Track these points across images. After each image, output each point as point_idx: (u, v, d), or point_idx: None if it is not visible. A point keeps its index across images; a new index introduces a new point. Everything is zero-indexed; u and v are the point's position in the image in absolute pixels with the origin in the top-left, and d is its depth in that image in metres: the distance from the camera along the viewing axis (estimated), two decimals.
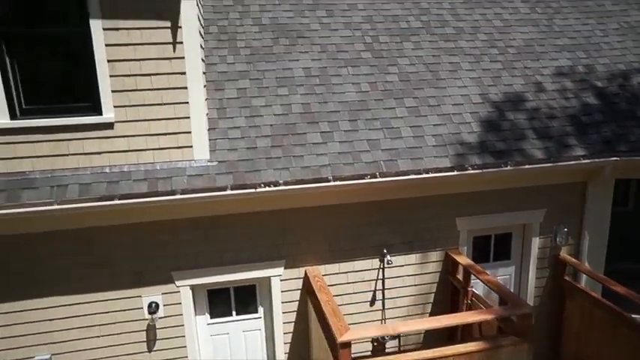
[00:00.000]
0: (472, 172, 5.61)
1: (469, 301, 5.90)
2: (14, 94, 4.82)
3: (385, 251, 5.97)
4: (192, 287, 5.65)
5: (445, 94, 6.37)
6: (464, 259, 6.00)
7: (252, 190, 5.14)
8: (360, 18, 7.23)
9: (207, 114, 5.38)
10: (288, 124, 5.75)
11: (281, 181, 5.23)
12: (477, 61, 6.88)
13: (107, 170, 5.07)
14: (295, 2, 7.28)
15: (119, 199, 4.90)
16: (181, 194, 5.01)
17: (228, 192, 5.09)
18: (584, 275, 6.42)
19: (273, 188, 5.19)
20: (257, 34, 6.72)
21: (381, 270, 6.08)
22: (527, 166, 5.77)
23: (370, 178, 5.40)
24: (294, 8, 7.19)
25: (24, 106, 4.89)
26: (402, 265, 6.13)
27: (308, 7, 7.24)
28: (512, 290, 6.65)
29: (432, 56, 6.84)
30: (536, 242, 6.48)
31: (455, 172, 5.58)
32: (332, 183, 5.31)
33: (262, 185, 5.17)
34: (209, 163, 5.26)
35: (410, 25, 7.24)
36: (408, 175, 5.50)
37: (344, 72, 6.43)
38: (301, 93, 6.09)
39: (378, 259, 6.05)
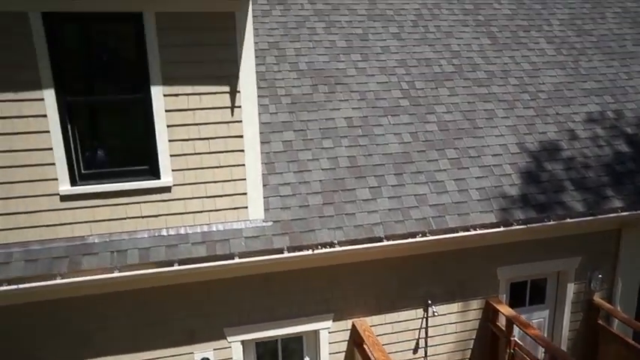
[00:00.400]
0: (517, 227, 5.74)
1: (511, 351, 6.04)
2: (74, 160, 4.80)
3: (430, 302, 6.08)
4: (243, 342, 5.69)
5: (484, 144, 6.49)
6: (506, 309, 6.13)
7: (309, 252, 5.20)
8: (395, 62, 7.30)
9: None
10: (336, 179, 5.81)
11: (336, 242, 5.29)
12: (510, 107, 7.02)
13: (164, 233, 5.08)
14: (329, 45, 7.33)
15: (179, 265, 4.91)
16: (240, 258, 5.04)
17: (286, 255, 5.14)
18: (617, 320, 6.62)
19: (328, 250, 5.25)
20: (296, 81, 6.75)
21: (424, 319, 6.19)
22: (568, 220, 5.92)
23: (421, 237, 5.50)
24: (329, 52, 7.23)
25: (83, 171, 4.88)
26: (445, 314, 6.25)
27: (342, 51, 7.28)
28: (545, 334, 6.83)
29: (467, 103, 6.95)
30: (570, 287, 6.65)
31: (501, 229, 5.71)
32: (385, 243, 5.39)
33: (319, 247, 5.23)
34: (264, 224, 5.30)
35: (443, 70, 7.33)
36: (457, 232, 5.61)
37: (384, 121, 6.51)
38: (346, 145, 6.15)
39: (422, 309, 6.16)
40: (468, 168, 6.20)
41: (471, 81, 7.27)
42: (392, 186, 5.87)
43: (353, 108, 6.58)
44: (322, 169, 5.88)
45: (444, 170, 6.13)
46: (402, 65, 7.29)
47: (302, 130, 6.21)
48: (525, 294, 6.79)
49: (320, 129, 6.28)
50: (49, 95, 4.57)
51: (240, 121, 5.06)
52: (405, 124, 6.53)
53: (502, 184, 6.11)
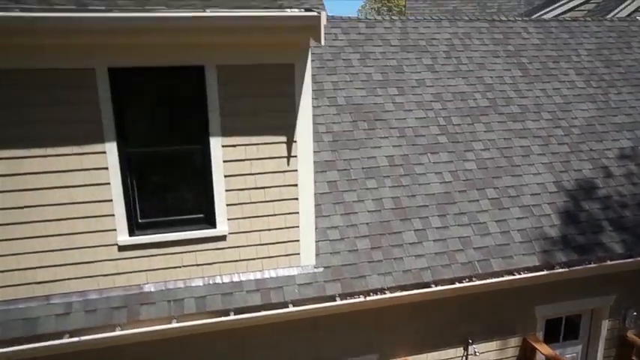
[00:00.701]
0: (559, 270, 5.83)
1: None
2: (132, 210, 4.82)
3: (470, 341, 6.17)
4: None
5: (522, 183, 6.56)
6: (544, 348, 6.23)
7: (361, 299, 5.25)
8: (430, 96, 7.35)
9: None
10: (382, 221, 5.86)
11: (386, 288, 5.35)
12: (545, 143, 7.09)
13: (219, 281, 5.11)
14: (366, 78, 7.36)
15: (235, 314, 4.95)
16: (294, 306, 5.09)
17: (338, 302, 5.19)
18: None
19: (380, 296, 5.31)
20: (336, 117, 6.79)
21: (465, 357, 6.27)
22: (608, 262, 6.02)
23: (467, 282, 5.57)
24: (366, 85, 7.26)
25: (140, 220, 4.89)
26: (483, 352, 6.33)
27: (379, 84, 7.32)
28: None
29: (503, 139, 7.02)
30: (605, 324, 6.77)
31: (544, 272, 5.80)
32: (433, 289, 5.46)
33: (370, 294, 5.29)
34: (315, 270, 5.34)
35: (478, 104, 7.39)
36: (502, 276, 5.69)
37: (425, 160, 6.56)
38: (389, 185, 6.20)
39: (462, 348, 6.24)
40: (508, 208, 6.27)
41: (505, 116, 7.34)
42: (436, 228, 5.93)
43: (393, 146, 6.63)
44: (368, 211, 5.92)
45: (486, 211, 6.20)
46: (437, 99, 7.34)
47: (345, 169, 6.25)
48: (560, 330, 6.90)
49: (363, 168, 6.32)
50: (111, 148, 4.59)
51: (296, 170, 5.09)
52: (444, 163, 6.59)
53: (542, 225, 6.19)
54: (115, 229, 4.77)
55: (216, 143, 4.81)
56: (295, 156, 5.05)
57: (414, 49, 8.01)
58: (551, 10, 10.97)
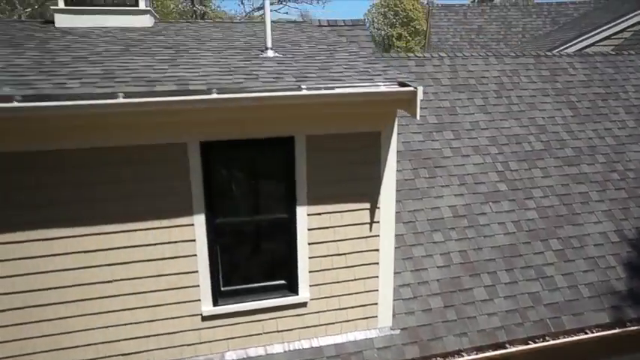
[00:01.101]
0: (631, 328, 5.83)
1: None
2: (217, 279, 4.76)
3: None
4: None
5: (584, 233, 6.54)
6: None
7: None
8: (486, 140, 7.31)
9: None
10: (452, 277, 5.83)
11: (463, 350, 5.33)
12: (602, 189, 7.07)
13: (298, 346, 5.07)
14: (421, 122, 7.31)
15: None
16: None
17: None
18: None
19: (457, 359, 5.28)
20: (397, 164, 6.70)
21: None
22: None
23: (541, 341, 5.55)
24: (423, 129, 7.22)
25: (222, 289, 4.84)
26: None
27: (435, 128, 7.28)
28: None
29: (561, 185, 6.99)
30: None
31: (616, 330, 5.79)
32: (508, 350, 5.44)
33: (447, 356, 5.26)
34: (392, 332, 5.31)
35: (533, 147, 7.36)
36: (574, 335, 5.67)
37: (487, 209, 6.53)
38: (455, 238, 6.17)
39: None
40: (573, 260, 6.25)
41: (560, 160, 7.31)
42: (505, 284, 5.90)
43: (455, 195, 6.59)
44: (437, 267, 5.89)
45: (552, 264, 6.18)
46: (493, 143, 7.30)
47: (411, 221, 6.21)
48: None
49: (428, 220, 6.28)
50: (199, 220, 4.53)
51: (378, 236, 5.04)
52: (506, 212, 6.56)
53: (609, 279, 6.17)
54: (200, 300, 4.72)
55: (302, 212, 4.76)
56: (378, 222, 5.01)
57: (464, 88, 7.97)
58: (587, 38, 10.94)
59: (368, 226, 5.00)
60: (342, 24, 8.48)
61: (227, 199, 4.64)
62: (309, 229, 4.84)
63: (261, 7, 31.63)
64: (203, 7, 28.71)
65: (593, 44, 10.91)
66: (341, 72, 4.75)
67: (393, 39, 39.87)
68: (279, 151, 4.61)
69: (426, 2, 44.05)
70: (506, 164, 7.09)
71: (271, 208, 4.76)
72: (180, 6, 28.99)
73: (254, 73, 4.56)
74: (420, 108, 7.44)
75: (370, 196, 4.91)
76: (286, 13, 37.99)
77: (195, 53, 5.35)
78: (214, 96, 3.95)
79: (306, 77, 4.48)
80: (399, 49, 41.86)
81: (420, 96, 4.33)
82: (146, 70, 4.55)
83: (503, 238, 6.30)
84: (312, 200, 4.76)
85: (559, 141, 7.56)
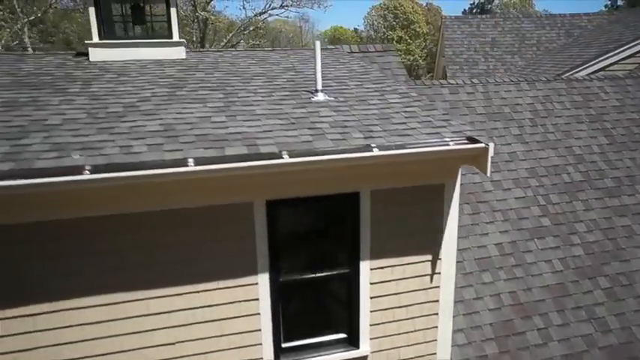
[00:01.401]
0: None
1: None
2: (278, 336, 4.64)
3: None
4: None
5: (631, 269, 6.48)
6: None
7: None
8: (525, 172, 7.23)
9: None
10: (505, 320, 5.75)
11: None
12: None
13: None
14: None
15: None
16: None
17: None
18: None
19: None
20: None
21: None
22: None
23: None
24: None
25: (283, 345, 4.71)
26: None
27: None
28: None
29: (604, 219, 6.92)
30: None
31: None
32: None
33: None
34: None
35: (572, 179, 7.29)
36: None
37: (532, 246, 6.45)
38: (504, 278, 6.09)
39: None
40: (624, 299, 6.19)
41: (601, 191, 7.24)
42: (558, 326, 5.83)
43: (500, 232, 6.51)
44: (489, 310, 5.81)
45: (602, 304, 6.11)
46: (532, 175, 7.22)
47: (460, 261, 6.10)
48: None
49: (475, 259, 6.19)
50: (263, 279, 4.40)
51: (438, 287, 4.94)
52: (552, 249, 6.48)
53: None
54: (262, 358, 4.60)
55: (364, 266, 4.65)
56: (439, 273, 4.91)
57: (499, 116, 7.88)
58: (611, 56, 10.88)
59: (429, 277, 4.89)
60: (374, 50, 8.39)
61: (291, 257, 4.52)
62: (371, 283, 4.73)
63: (263, 12, 31.50)
64: (205, 13, 28.49)
65: (616, 62, 10.85)
66: (403, 122, 4.63)
67: (394, 42, 39.74)
68: (343, 207, 4.49)
69: (425, 4, 44.06)
70: (548, 197, 7.01)
71: (334, 263, 4.64)
72: (181, 12, 28.71)
73: (317, 126, 4.43)
74: None
75: (432, 247, 4.81)
76: (287, 17, 37.55)
77: (245, 98, 5.21)
78: (287, 160, 3.82)
79: (372, 132, 4.36)
80: (399, 52, 41.86)
81: (491, 153, 4.21)
82: (205, 123, 4.41)
83: (551, 277, 6.23)
84: (375, 254, 4.65)
85: (597, 171, 7.49)
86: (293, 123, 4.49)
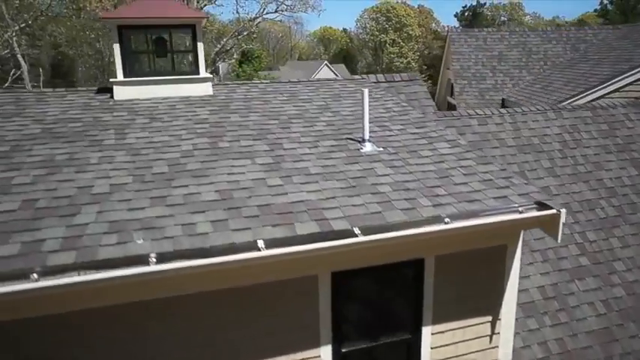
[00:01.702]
0: None
1: None
2: None
3: None
4: None
5: None
6: None
7: None
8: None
9: None
10: None
11: None
12: None
13: None
14: None
15: None
16: None
17: None
18: None
19: None
20: None
21: None
22: None
23: None
24: None
25: None
26: None
27: None
28: None
29: None
30: None
31: None
32: None
33: None
34: None
35: (607, 214, 7.21)
36: None
37: (574, 288, 6.37)
38: (549, 325, 6.00)
39: None
40: None
41: (636, 226, 7.17)
42: None
43: (541, 274, 6.40)
44: (537, 359, 5.69)
45: None
46: (567, 211, 7.08)
47: None
48: None
49: (519, 304, 6.04)
50: (326, 351, 4.21)
51: (497, 347, 4.80)
52: (593, 291, 6.39)
53: None
54: None
55: (426, 332, 4.49)
56: (498, 333, 4.76)
57: (529, 148, 7.77)
58: (627, 77, 10.86)
59: (488, 338, 4.75)
60: (399, 79, 8.22)
61: (353, 326, 4.34)
62: (431, 348, 4.57)
63: (257, 17, 31.10)
64: None
65: (631, 83, 10.83)
66: (464, 183, 4.46)
67: (387, 45, 39.67)
68: (408, 273, 4.33)
69: (416, 7, 43.99)
70: (584, 235, 6.92)
71: (396, 330, 4.47)
72: None
73: (379, 190, 4.23)
74: None
75: (493, 309, 4.67)
76: (280, 20, 37.20)
77: (292, 151, 4.98)
78: (361, 239, 3.62)
79: (437, 196, 4.19)
80: (392, 55, 41.77)
81: (562, 219, 4.07)
82: (262, 188, 4.19)
83: (596, 321, 6.13)
84: (437, 319, 4.49)
85: (630, 205, 7.42)
86: (354, 186, 4.29)
